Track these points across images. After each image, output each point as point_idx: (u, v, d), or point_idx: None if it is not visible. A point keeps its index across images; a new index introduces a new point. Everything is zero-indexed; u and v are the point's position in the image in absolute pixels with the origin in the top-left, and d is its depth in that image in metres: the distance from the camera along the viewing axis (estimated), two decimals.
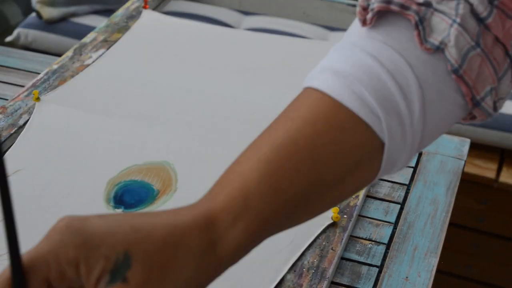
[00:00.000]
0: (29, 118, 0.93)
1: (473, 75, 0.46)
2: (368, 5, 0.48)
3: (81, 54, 1.07)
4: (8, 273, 0.40)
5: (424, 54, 0.46)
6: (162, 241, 0.41)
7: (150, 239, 0.41)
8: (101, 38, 1.11)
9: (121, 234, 0.40)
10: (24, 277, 0.39)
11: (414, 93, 0.46)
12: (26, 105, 0.96)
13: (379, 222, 0.81)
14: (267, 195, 0.45)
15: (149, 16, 1.18)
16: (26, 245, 0.73)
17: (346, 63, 0.47)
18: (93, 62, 1.05)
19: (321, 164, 0.46)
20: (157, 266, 0.40)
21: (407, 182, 0.87)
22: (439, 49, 0.46)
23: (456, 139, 0.96)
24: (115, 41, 1.10)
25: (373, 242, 0.79)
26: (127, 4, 1.22)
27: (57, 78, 1.01)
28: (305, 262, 0.74)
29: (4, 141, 0.90)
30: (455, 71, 0.46)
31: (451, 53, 0.45)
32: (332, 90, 0.47)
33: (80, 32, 1.78)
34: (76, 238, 0.40)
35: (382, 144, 0.47)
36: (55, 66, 1.04)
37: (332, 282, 0.74)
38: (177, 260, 0.41)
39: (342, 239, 0.76)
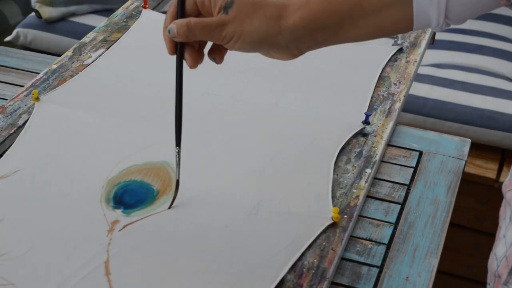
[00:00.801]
0: (29, 118, 0.93)
1: None
2: None
3: (80, 54, 1.07)
4: None
5: None
6: (253, 1, 0.67)
7: None
8: (100, 37, 1.11)
9: None
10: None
11: None
12: (26, 105, 0.96)
13: (380, 222, 0.81)
14: (322, 2, 0.67)
15: (148, 15, 1.17)
16: (27, 245, 0.74)
17: None
18: (93, 62, 1.05)
19: None
20: (244, 12, 0.67)
21: (407, 182, 0.87)
22: None
23: (456, 139, 0.96)
24: (114, 41, 1.10)
25: (374, 242, 0.78)
26: (127, 4, 1.22)
27: (57, 78, 1.01)
28: (305, 262, 0.73)
29: (4, 141, 0.89)
30: None
31: None
32: None
33: (80, 31, 1.78)
34: None
35: None
36: (54, 66, 1.04)
37: (332, 283, 0.73)
38: (256, 14, 0.67)
39: (342, 239, 0.76)
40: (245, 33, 0.67)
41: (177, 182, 0.77)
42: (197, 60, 0.71)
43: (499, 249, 0.74)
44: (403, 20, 0.67)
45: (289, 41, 0.68)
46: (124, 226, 0.77)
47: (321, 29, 0.68)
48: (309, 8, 0.67)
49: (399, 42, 1.09)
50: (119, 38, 1.11)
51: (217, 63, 0.72)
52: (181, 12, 0.70)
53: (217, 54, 0.72)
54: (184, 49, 0.71)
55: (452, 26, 1.91)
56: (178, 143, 0.76)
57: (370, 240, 0.79)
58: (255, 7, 0.67)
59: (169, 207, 0.78)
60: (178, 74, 0.73)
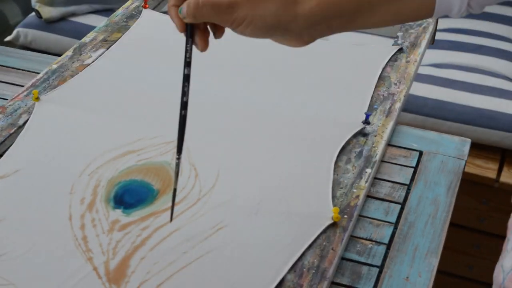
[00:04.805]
0: (29, 118, 0.93)
1: None
2: None
3: (80, 54, 1.07)
4: None
5: None
6: None
7: None
8: (100, 37, 1.11)
9: None
10: None
11: None
12: (26, 104, 0.96)
13: (380, 222, 0.81)
14: None
15: (149, 15, 1.17)
16: (27, 245, 0.74)
17: None
18: (93, 61, 1.05)
19: None
20: None
21: (407, 182, 0.87)
22: None
23: (456, 139, 0.96)
24: (114, 41, 1.10)
25: (374, 242, 0.78)
26: (127, 4, 1.22)
27: (57, 78, 1.01)
28: (305, 262, 0.73)
29: (4, 141, 0.89)
30: None
31: None
32: None
33: (80, 31, 1.78)
34: None
35: None
36: (54, 66, 1.04)
37: (333, 283, 0.73)
38: None
39: (343, 239, 0.76)
40: (257, 17, 0.63)
41: (174, 191, 0.71)
42: (207, 42, 0.68)
43: (507, 261, 0.74)
44: (424, 7, 0.65)
45: (303, 27, 0.64)
46: (124, 226, 0.77)
47: (338, 16, 0.64)
48: None
49: (399, 42, 1.09)
50: (119, 38, 1.11)
51: (200, 49, 0.68)
52: None
53: (218, 32, 0.68)
54: (194, 32, 0.67)
55: (452, 26, 1.90)
56: (179, 149, 0.71)
57: (370, 240, 0.79)
58: None
59: (170, 221, 0.73)
60: (186, 64, 0.69)
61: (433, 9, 0.64)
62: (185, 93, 0.71)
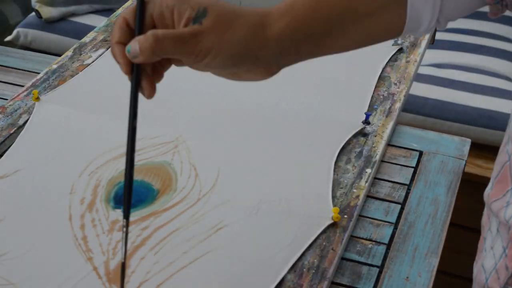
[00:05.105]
0: (29, 118, 0.93)
1: None
2: None
3: (80, 54, 1.07)
4: (130, 8, 0.58)
5: None
6: (231, 9, 0.58)
7: (223, 6, 0.58)
8: (100, 37, 1.11)
9: None
10: (144, 7, 0.57)
11: None
12: (26, 105, 0.96)
13: (380, 222, 0.81)
14: (309, 6, 0.60)
15: None
16: (27, 245, 0.74)
17: None
18: (93, 61, 1.05)
19: None
20: (222, 21, 0.57)
21: (407, 182, 0.87)
22: None
23: (456, 139, 0.96)
24: None
25: (374, 242, 0.78)
26: (127, 4, 1.22)
27: (57, 78, 1.01)
28: (305, 262, 0.73)
29: (4, 141, 0.89)
30: None
31: None
32: None
33: (80, 31, 1.78)
34: None
35: None
36: (54, 66, 1.04)
37: (333, 282, 0.73)
38: (237, 22, 0.58)
39: (343, 239, 0.76)
40: (225, 45, 0.57)
41: (123, 265, 0.59)
42: (154, 87, 0.61)
43: (487, 261, 0.73)
44: (395, 24, 0.62)
45: (273, 54, 0.59)
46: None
47: (307, 38, 0.60)
48: (295, 13, 0.60)
49: (399, 42, 1.09)
50: None
51: (147, 96, 0.61)
52: (140, 25, 0.58)
53: (156, 75, 0.61)
54: (141, 76, 0.59)
55: (452, 26, 1.89)
56: (126, 214, 0.58)
57: (370, 240, 0.79)
58: (234, 14, 0.58)
59: None
60: (132, 108, 0.61)
61: (403, 26, 0.62)
62: (133, 149, 0.60)
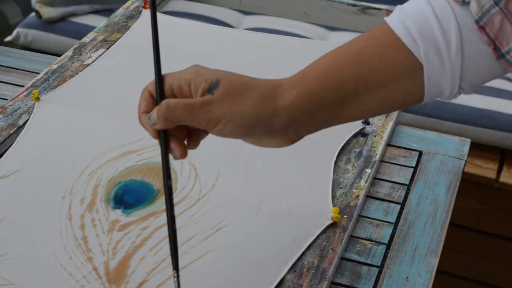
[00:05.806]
0: (29, 118, 0.93)
1: (495, 29, 0.58)
2: None
3: (80, 54, 1.07)
4: (152, 82, 0.65)
5: (459, 5, 0.60)
6: (243, 81, 0.61)
7: (236, 78, 0.62)
8: (100, 38, 1.11)
9: (219, 72, 0.62)
10: (163, 80, 0.64)
11: (453, 32, 0.59)
12: (26, 105, 0.96)
13: (379, 222, 0.81)
14: (320, 77, 0.61)
15: (149, 16, 1.17)
16: (27, 245, 0.74)
17: (410, 5, 0.62)
18: (93, 62, 1.05)
19: (367, 66, 0.61)
20: (233, 91, 0.60)
21: (407, 182, 0.87)
22: (464, 3, 0.59)
23: (456, 139, 0.96)
24: (114, 41, 1.10)
25: (373, 242, 0.78)
26: (127, 4, 1.22)
27: (57, 78, 1.01)
28: (305, 262, 0.73)
29: (4, 141, 0.89)
30: (476, 22, 0.59)
31: (473, 7, 0.58)
32: (391, 22, 0.62)
33: (80, 31, 1.78)
34: (193, 69, 0.63)
35: (421, 66, 0.60)
36: (54, 66, 1.04)
37: (332, 282, 0.73)
38: (247, 93, 0.60)
39: (342, 239, 0.76)
40: (235, 114, 0.59)
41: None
42: (185, 150, 0.64)
43: None
44: (413, 93, 0.62)
45: (286, 124, 0.61)
46: (124, 226, 0.77)
47: (321, 108, 0.61)
48: (306, 85, 0.61)
49: None
50: (119, 38, 1.11)
51: (178, 157, 0.63)
52: (160, 95, 0.63)
53: (192, 142, 0.65)
54: (169, 139, 0.63)
55: None
56: (175, 265, 0.63)
57: (370, 240, 0.79)
58: (245, 86, 0.61)
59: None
60: (165, 170, 0.63)
61: (422, 93, 0.62)
62: (172, 206, 0.63)
